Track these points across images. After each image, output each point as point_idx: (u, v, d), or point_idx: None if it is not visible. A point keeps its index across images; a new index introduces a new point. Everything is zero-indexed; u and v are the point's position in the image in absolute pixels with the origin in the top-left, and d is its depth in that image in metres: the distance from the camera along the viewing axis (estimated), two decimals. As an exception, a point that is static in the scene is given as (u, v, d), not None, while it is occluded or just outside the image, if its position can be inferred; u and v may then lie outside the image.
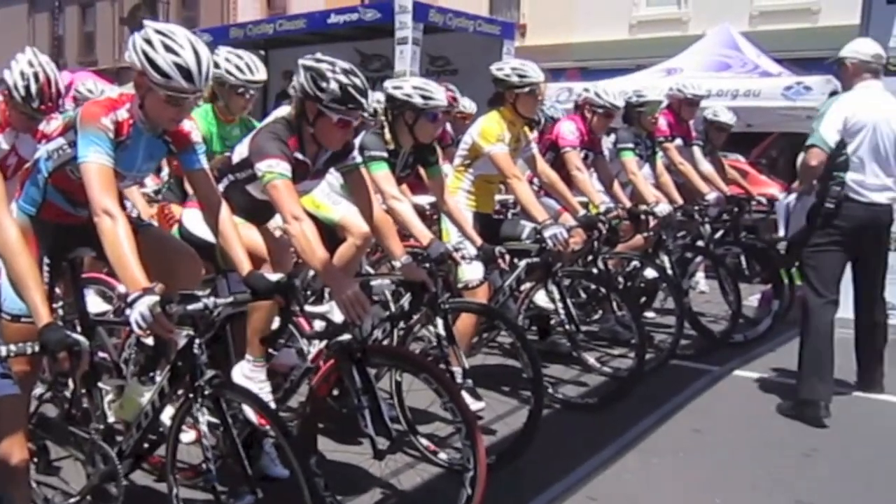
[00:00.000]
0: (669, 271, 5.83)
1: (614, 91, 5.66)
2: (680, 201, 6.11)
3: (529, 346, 4.10)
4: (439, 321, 3.94)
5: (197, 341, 2.81)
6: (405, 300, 4.01)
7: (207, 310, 2.77)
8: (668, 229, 5.90)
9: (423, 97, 4.05)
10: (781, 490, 3.83)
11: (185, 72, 2.78)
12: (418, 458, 3.95)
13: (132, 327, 2.56)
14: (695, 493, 3.80)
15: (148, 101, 2.89)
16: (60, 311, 3.48)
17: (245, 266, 2.99)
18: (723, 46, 11.31)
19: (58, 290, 3.34)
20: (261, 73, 4.37)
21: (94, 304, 3.81)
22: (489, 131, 4.73)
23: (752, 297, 7.16)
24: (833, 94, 7.25)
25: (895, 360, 5.57)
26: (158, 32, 2.81)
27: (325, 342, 3.34)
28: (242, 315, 3.39)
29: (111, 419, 3.10)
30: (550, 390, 4.85)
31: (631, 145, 6.00)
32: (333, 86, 3.19)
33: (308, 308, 3.49)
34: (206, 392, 2.80)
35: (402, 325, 4.10)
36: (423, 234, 3.92)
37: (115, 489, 3.01)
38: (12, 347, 2.23)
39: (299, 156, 3.36)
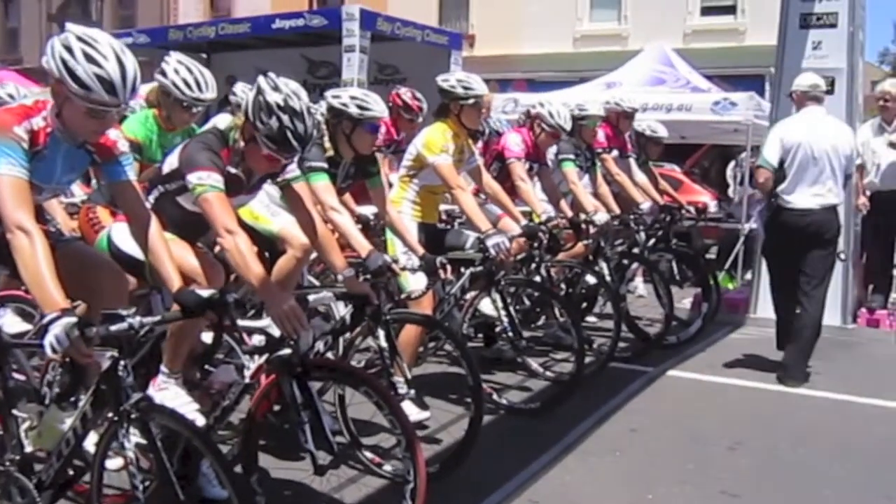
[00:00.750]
0: (608, 278, 5.74)
1: (566, 114, 5.52)
2: (617, 210, 6.06)
3: (468, 353, 3.92)
4: (381, 332, 3.73)
5: (122, 363, 2.51)
6: (347, 312, 3.77)
7: (133, 330, 2.48)
8: (606, 237, 5.81)
9: (360, 107, 3.83)
10: (710, 482, 3.82)
11: (108, 84, 2.49)
12: (362, 472, 3.72)
13: (46, 351, 2.28)
14: (631, 489, 3.73)
15: (66, 110, 2.59)
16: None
17: (175, 282, 2.71)
18: (658, 62, 11.41)
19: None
20: (211, 92, 4.07)
21: (13, 323, 3.44)
22: (433, 142, 4.54)
23: (684, 301, 7.13)
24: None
25: (824, 356, 5.69)
26: (80, 40, 2.51)
27: (264, 357, 3.08)
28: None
29: (28, 448, 2.79)
30: (495, 396, 4.68)
31: (572, 156, 5.90)
32: (273, 123, 2.94)
33: (246, 323, 3.24)
34: (133, 416, 2.52)
35: (344, 336, 3.86)
36: (363, 245, 3.69)
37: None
38: None
39: (232, 169, 3.10)
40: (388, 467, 3.69)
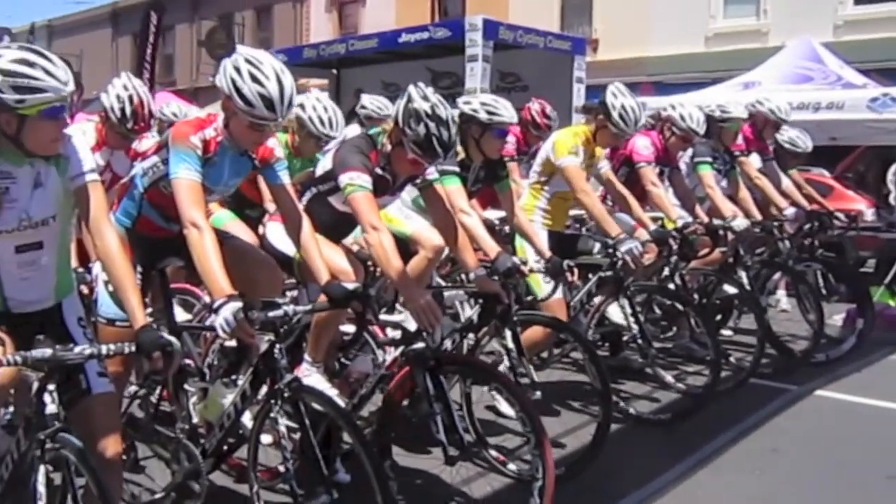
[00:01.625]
0: (747, 287, 5.79)
1: (698, 117, 5.62)
2: (758, 216, 6.05)
3: (598, 359, 4.18)
4: (508, 333, 4.05)
5: (277, 346, 3.00)
6: (475, 312, 4.13)
7: (287, 316, 2.96)
8: (745, 244, 5.86)
9: (489, 112, 4.21)
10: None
11: (269, 102, 2.98)
12: (488, 469, 4.05)
13: (217, 331, 2.77)
14: None
15: (232, 123, 3.12)
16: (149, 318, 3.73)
17: (324, 275, 3.17)
18: (803, 58, 11.13)
19: (146, 299, 3.58)
20: (338, 131, 4.60)
21: (177, 312, 4.04)
22: (562, 144, 4.82)
23: (836, 316, 6.99)
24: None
25: None
26: (247, 61, 3.02)
27: (399, 350, 3.49)
28: None
29: (195, 420, 3.33)
30: (622, 405, 4.90)
31: (709, 159, 5.98)
32: (421, 130, 3.35)
33: (383, 317, 3.66)
34: (286, 395, 2.97)
35: (470, 336, 4.22)
36: (492, 247, 4.04)
37: (198, 486, 3.22)
38: (111, 347, 2.45)
39: (379, 171, 3.54)
40: (512, 466, 4.02)
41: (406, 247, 4.50)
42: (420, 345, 3.38)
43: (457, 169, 4.22)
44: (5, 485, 2.61)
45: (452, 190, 4.11)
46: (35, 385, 2.44)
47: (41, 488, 2.37)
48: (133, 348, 2.45)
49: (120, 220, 3.32)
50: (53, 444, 2.40)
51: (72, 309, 2.81)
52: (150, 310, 3.69)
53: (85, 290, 3.41)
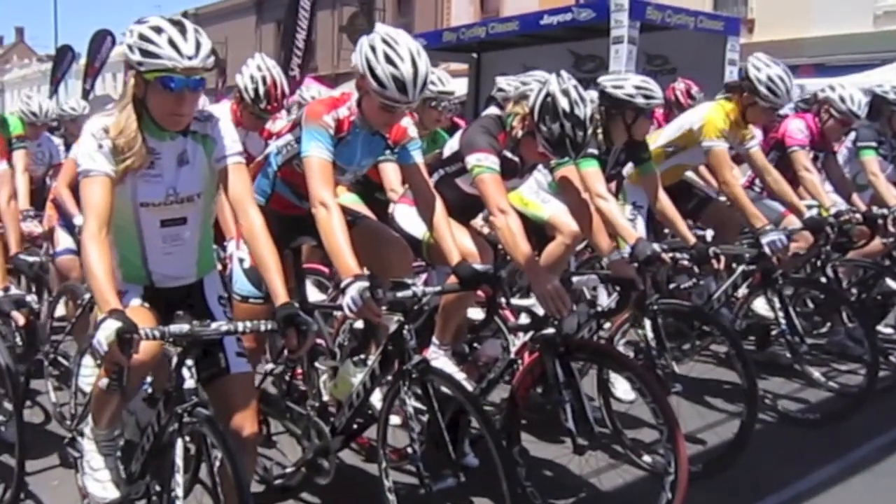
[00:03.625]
0: None
1: (859, 99, 5.22)
2: None
3: (744, 353, 3.95)
4: (647, 323, 3.90)
5: (406, 327, 2.98)
6: (612, 300, 3.99)
7: (416, 297, 2.95)
8: None
9: (646, 97, 4.07)
10: None
11: (401, 84, 2.94)
12: (621, 460, 3.93)
13: (344, 310, 2.78)
14: None
15: (365, 102, 3.10)
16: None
17: (454, 256, 3.12)
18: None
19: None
20: (451, 85, 4.56)
21: (311, 292, 4.11)
22: (714, 125, 4.57)
23: None
24: None
25: None
26: (384, 41, 2.98)
27: (528, 335, 3.41)
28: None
29: (326, 398, 3.37)
30: (768, 402, 4.63)
31: (874, 144, 5.53)
32: (556, 129, 3.26)
33: (514, 301, 3.59)
34: (414, 376, 2.96)
35: (607, 324, 4.09)
36: (630, 233, 3.90)
37: (328, 463, 3.27)
38: (248, 324, 2.50)
39: (508, 154, 3.47)
40: (647, 458, 3.87)
41: (542, 231, 4.41)
42: (550, 331, 3.29)
43: (595, 151, 4.07)
44: (147, 455, 2.72)
45: (590, 173, 3.97)
46: (174, 360, 2.50)
47: (178, 461, 2.44)
48: (270, 325, 2.48)
49: (254, 197, 3.38)
50: (190, 419, 2.46)
51: (213, 286, 2.87)
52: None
53: (219, 266, 3.51)
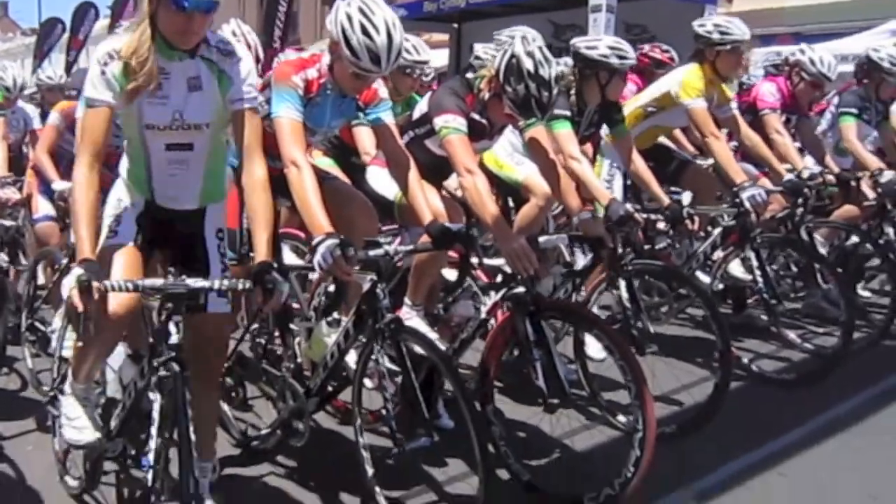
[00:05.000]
0: (894, 243, 5.30)
1: (829, 61, 5.18)
2: None
3: (719, 314, 3.94)
4: (622, 284, 3.85)
5: (379, 286, 2.93)
6: (587, 260, 3.94)
7: (388, 256, 2.90)
8: (892, 197, 5.31)
9: (620, 57, 4.04)
10: None
11: (375, 56, 2.89)
12: (596, 421, 3.90)
13: (315, 268, 2.73)
14: None
15: (337, 66, 3.05)
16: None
17: (426, 216, 3.08)
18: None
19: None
20: (426, 55, 4.51)
21: (288, 257, 4.03)
22: (692, 84, 4.57)
23: None
24: None
25: None
26: (360, 11, 2.91)
27: (500, 295, 3.36)
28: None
29: (301, 360, 3.33)
30: (744, 363, 4.60)
31: (854, 110, 5.47)
32: (521, 90, 3.25)
33: (486, 261, 3.53)
34: (387, 335, 2.91)
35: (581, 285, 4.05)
36: (603, 193, 3.88)
37: (303, 425, 3.23)
38: (225, 282, 2.48)
39: (476, 116, 3.42)
40: (622, 418, 3.83)
41: (517, 194, 4.36)
42: (520, 290, 3.24)
43: (568, 113, 4.03)
44: (127, 412, 2.70)
45: (563, 135, 3.94)
46: (163, 315, 2.44)
47: (155, 415, 2.42)
48: (247, 284, 2.42)
49: (228, 160, 3.27)
50: (165, 372, 2.42)
51: (214, 218, 2.81)
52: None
53: None
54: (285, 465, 3.51)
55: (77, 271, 2.21)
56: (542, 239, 3.39)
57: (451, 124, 3.29)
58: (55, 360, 3.78)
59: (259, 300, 2.43)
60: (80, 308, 2.21)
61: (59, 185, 4.74)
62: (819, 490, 3.40)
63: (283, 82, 2.99)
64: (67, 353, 3.55)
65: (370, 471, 3.09)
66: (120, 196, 2.73)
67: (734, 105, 4.87)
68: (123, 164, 2.70)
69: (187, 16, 2.38)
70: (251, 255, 3.26)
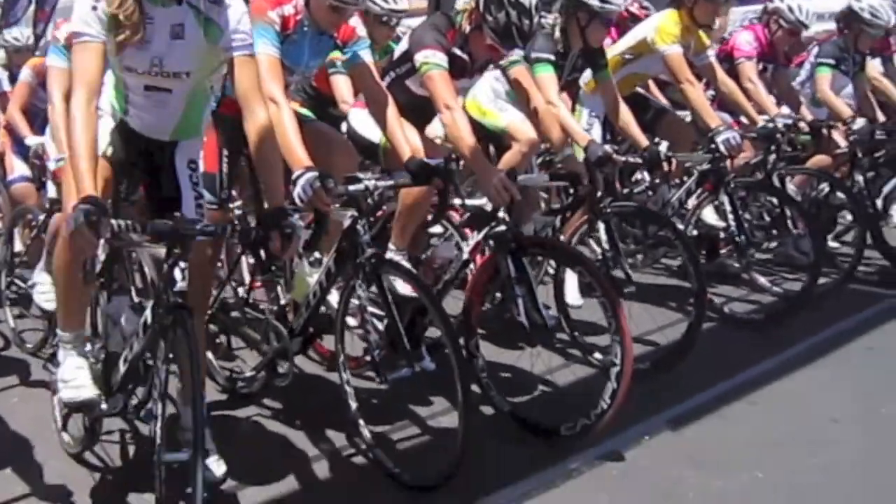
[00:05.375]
0: (864, 191, 5.40)
1: (808, 8, 5.18)
2: (881, 118, 5.60)
3: (695, 255, 4.02)
4: (601, 226, 3.90)
5: (360, 222, 2.95)
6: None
7: (368, 191, 2.92)
8: (864, 148, 5.40)
9: (601, 0, 3.98)
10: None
11: None
12: (573, 360, 3.98)
13: (295, 201, 2.73)
14: (862, 402, 3.66)
15: (313, 1, 3.04)
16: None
17: (405, 151, 3.09)
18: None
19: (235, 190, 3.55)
20: (402, 3, 4.49)
21: None
22: (667, 30, 4.57)
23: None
24: None
25: None
26: None
27: (481, 234, 3.39)
28: None
29: (282, 301, 3.34)
30: (716, 304, 4.70)
31: (831, 61, 5.51)
32: (501, 18, 3.23)
33: (468, 202, 3.55)
34: (368, 270, 2.93)
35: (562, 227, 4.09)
36: (582, 136, 3.90)
37: (287, 366, 3.24)
38: (228, 226, 2.49)
39: (457, 51, 3.40)
40: (598, 356, 3.90)
41: (500, 141, 4.34)
42: (501, 228, 3.27)
43: (551, 57, 4.02)
44: (128, 366, 2.63)
45: (544, 79, 3.92)
46: (163, 261, 2.40)
47: (160, 364, 2.37)
48: (257, 230, 2.39)
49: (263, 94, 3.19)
50: (168, 318, 2.38)
51: (187, 151, 2.78)
52: (237, 203, 3.70)
53: None
54: (271, 407, 3.56)
55: (84, 207, 2.12)
56: (521, 177, 3.40)
57: (432, 60, 3.26)
58: (39, 315, 3.81)
59: (276, 246, 2.37)
60: (92, 243, 2.18)
61: (31, 140, 4.66)
62: (787, 416, 3.53)
63: (259, 18, 2.93)
64: (50, 305, 3.58)
65: (353, 405, 3.13)
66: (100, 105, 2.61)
67: (711, 53, 4.89)
68: (108, 77, 2.63)
69: None
70: (233, 199, 3.34)
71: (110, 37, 2.38)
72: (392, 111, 3.18)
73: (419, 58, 3.30)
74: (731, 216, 4.55)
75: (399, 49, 3.68)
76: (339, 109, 4.34)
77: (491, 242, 3.35)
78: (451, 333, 2.90)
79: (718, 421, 3.47)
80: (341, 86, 4.29)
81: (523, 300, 3.21)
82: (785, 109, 5.37)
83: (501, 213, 3.25)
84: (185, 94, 2.62)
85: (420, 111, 3.65)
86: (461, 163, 3.54)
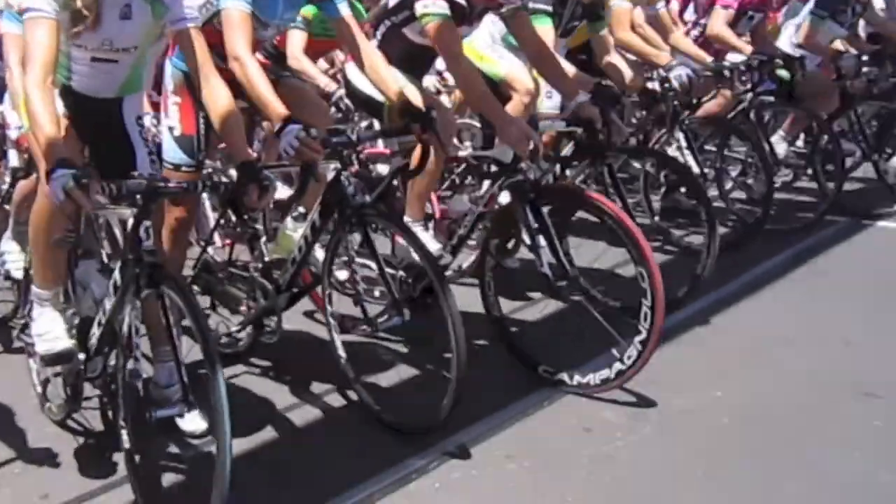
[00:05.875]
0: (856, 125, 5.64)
1: None
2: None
3: (700, 186, 4.22)
4: (605, 170, 3.92)
5: (344, 174, 2.91)
6: (568, 147, 4.01)
7: (351, 142, 2.88)
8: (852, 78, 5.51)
9: None
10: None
11: None
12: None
13: (282, 153, 2.70)
14: (816, 326, 3.84)
15: None
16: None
17: (392, 91, 3.01)
18: None
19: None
20: None
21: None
22: None
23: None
24: None
25: None
26: None
27: (496, 185, 3.30)
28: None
29: (267, 257, 3.29)
30: (674, 234, 4.87)
31: (825, 13, 5.51)
32: None
33: (476, 152, 3.46)
34: (353, 220, 2.92)
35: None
36: (587, 80, 3.90)
37: (274, 322, 3.22)
38: (205, 182, 2.51)
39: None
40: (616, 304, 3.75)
41: (498, 89, 4.02)
42: (518, 177, 3.19)
43: (549, 8, 3.92)
44: (103, 328, 2.60)
45: (540, 31, 3.74)
46: (130, 221, 2.38)
47: (137, 324, 2.39)
48: (228, 181, 2.46)
49: (177, 63, 3.10)
50: (150, 280, 2.36)
51: (132, 106, 2.80)
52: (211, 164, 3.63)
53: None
54: (259, 364, 3.54)
55: (71, 171, 2.13)
56: (541, 123, 3.29)
57: (433, 9, 3.11)
58: (12, 286, 3.71)
59: (254, 198, 2.39)
60: (87, 206, 2.18)
61: None
62: (744, 339, 3.73)
63: None
64: (19, 273, 3.49)
65: (343, 356, 3.11)
66: None
67: (661, 4, 4.92)
68: None
69: None
70: (206, 161, 3.28)
71: (64, 15, 2.39)
72: (381, 63, 3.08)
73: (419, 7, 3.15)
74: (686, 152, 4.65)
75: None
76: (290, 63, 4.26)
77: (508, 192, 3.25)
78: (446, 294, 2.80)
79: (678, 347, 3.59)
80: (295, 41, 4.17)
81: (545, 250, 3.12)
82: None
83: (524, 164, 3.15)
84: (130, 63, 2.66)
85: (419, 60, 3.50)
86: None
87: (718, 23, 5.08)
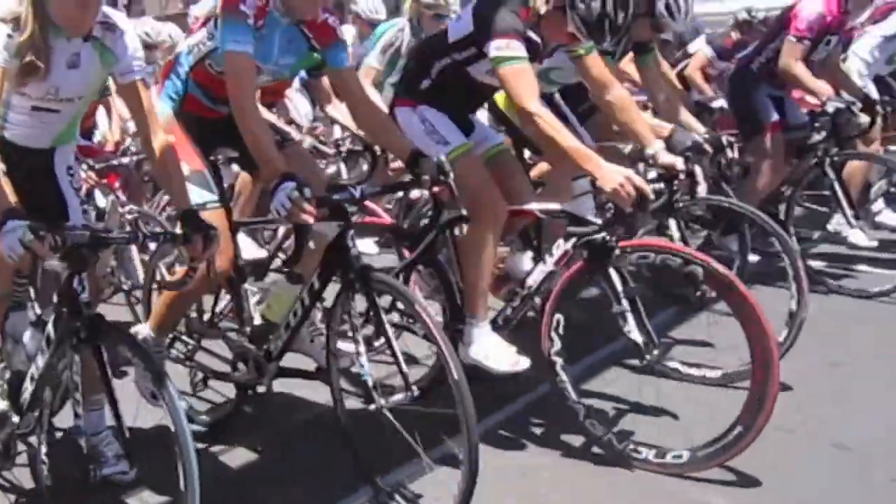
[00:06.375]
0: None
1: None
2: None
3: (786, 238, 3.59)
4: (672, 223, 3.50)
5: (349, 233, 2.56)
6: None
7: (354, 198, 2.55)
8: None
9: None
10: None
11: None
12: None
13: (273, 213, 2.44)
14: None
15: None
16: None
17: (406, 149, 2.79)
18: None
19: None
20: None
21: (248, 248, 3.33)
22: None
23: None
24: None
25: None
26: None
27: (570, 242, 2.92)
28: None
29: (257, 321, 2.96)
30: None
31: None
32: (595, 6, 2.75)
33: (540, 205, 3.03)
34: (358, 286, 2.55)
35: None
36: (661, 124, 3.52)
37: (263, 389, 2.94)
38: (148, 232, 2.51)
39: (532, 35, 2.89)
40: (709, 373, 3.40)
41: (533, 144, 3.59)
42: (599, 235, 2.80)
43: (610, 48, 3.48)
44: (37, 383, 2.44)
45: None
46: (64, 274, 2.28)
47: (77, 378, 2.30)
48: (175, 232, 2.36)
49: (166, 101, 2.90)
50: (89, 333, 2.27)
51: (63, 156, 2.73)
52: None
53: None
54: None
55: (23, 223, 2.09)
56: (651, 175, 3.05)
57: (509, 52, 2.76)
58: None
59: (198, 248, 2.32)
60: (46, 255, 2.13)
61: None
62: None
63: (231, 12, 2.60)
64: None
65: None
66: None
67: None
68: None
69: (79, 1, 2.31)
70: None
71: (14, 64, 2.35)
72: (383, 117, 2.96)
73: (493, 49, 2.79)
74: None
75: (455, 31, 3.11)
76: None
77: (585, 252, 2.87)
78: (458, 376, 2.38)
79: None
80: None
81: (631, 314, 2.77)
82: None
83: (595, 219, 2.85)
84: (70, 116, 2.65)
85: (477, 98, 3.26)
86: None
87: (792, 58, 4.40)
